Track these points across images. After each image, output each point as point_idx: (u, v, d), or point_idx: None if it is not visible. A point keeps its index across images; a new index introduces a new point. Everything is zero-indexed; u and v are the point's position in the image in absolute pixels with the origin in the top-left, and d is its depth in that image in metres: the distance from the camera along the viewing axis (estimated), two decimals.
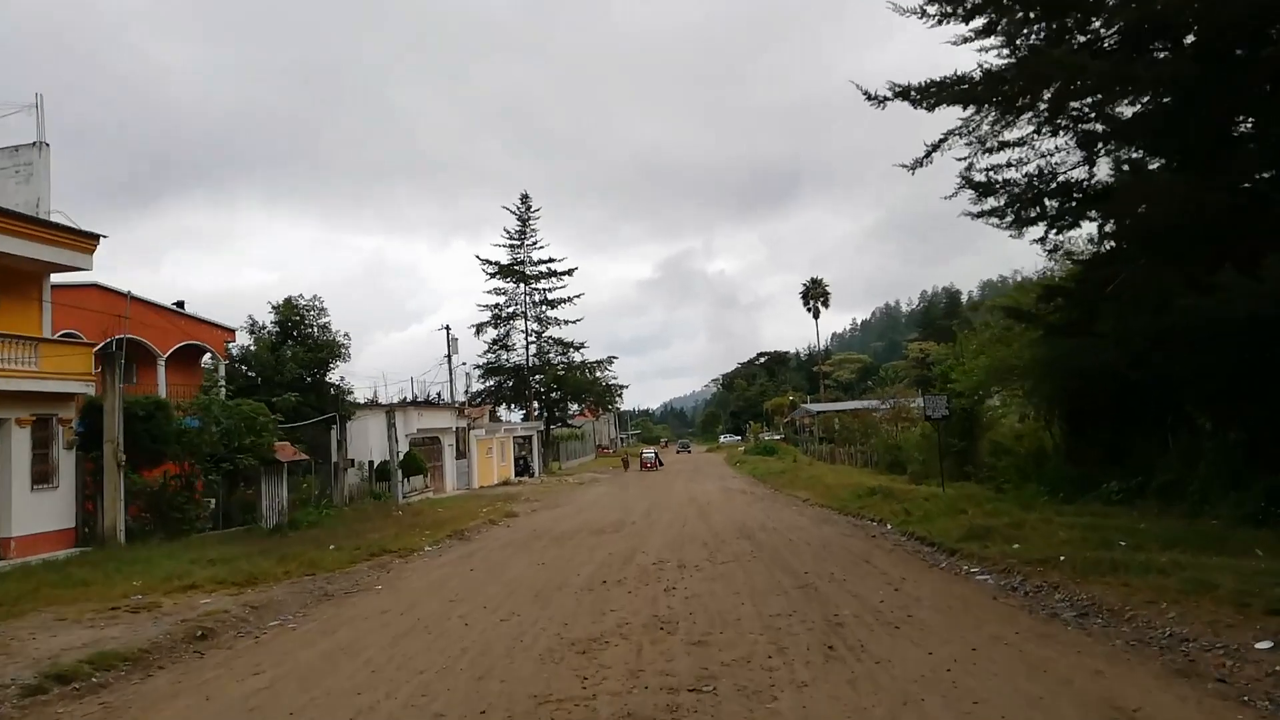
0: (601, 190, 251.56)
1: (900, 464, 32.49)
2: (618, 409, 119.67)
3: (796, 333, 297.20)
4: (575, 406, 57.20)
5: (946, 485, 21.01)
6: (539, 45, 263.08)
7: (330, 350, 25.55)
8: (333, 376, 26.48)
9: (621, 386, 56.77)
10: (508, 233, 53.76)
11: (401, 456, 30.54)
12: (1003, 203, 13.27)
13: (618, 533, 16.78)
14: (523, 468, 50.03)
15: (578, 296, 54.02)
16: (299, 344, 25.46)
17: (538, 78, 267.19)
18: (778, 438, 72.42)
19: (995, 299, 20.57)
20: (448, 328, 40.91)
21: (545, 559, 13.15)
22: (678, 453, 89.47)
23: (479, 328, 53.35)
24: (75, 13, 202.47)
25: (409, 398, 35.24)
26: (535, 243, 54.03)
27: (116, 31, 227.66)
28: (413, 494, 29.35)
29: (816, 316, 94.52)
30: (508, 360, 54.45)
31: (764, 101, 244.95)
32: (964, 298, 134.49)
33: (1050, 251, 17.07)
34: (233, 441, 16.73)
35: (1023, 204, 13.37)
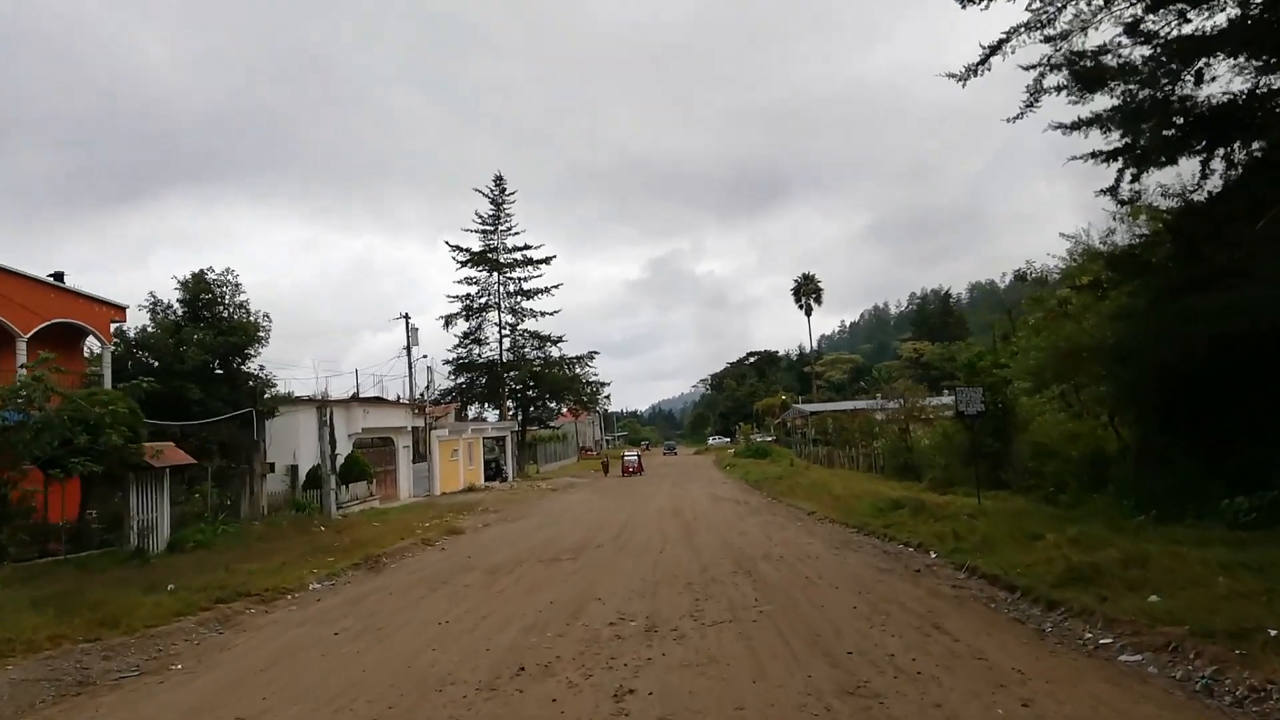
0: (590, 190, 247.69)
1: (911, 469, 28.70)
2: (602, 410, 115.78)
3: (786, 334, 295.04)
4: (555, 406, 52.99)
5: (983, 496, 17.26)
6: (526, 44, 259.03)
7: (244, 333, 21.39)
8: (269, 365, 22.36)
9: (603, 384, 52.70)
10: (480, 217, 49.66)
11: (341, 459, 26.43)
12: (1117, 105, 9.48)
13: (575, 560, 12.81)
14: (494, 471, 45.92)
15: (555, 287, 50.02)
16: (208, 326, 21.31)
17: (526, 77, 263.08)
18: (769, 439, 68.63)
19: (1071, 267, 16.47)
20: (406, 316, 36.81)
21: (456, 612, 9.14)
22: (664, 454, 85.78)
23: (448, 320, 49.21)
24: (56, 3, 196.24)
25: (355, 393, 31.10)
26: (510, 228, 49.99)
27: (97, 21, 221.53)
28: (352, 503, 25.22)
29: (809, 314, 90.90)
30: (480, 355, 50.32)
31: (752, 102, 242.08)
32: (962, 299, 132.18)
33: (1125, 203, 13.35)
34: (69, 439, 12.59)
35: (1146, 112, 9.53)
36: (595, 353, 51.89)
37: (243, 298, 22.20)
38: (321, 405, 23.94)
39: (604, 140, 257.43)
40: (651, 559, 12.59)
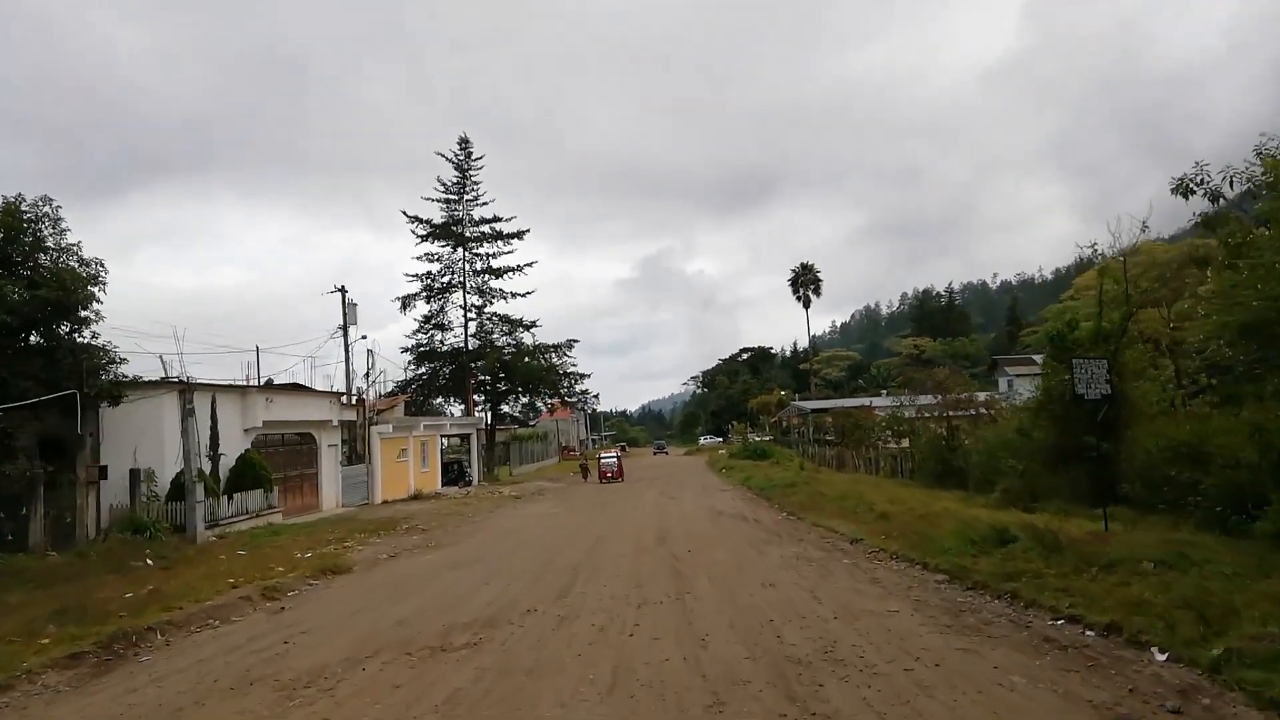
0: (579, 188, 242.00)
1: (954, 473, 23.00)
2: (584, 406, 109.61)
3: (777, 334, 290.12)
4: (529, 400, 46.81)
5: (1101, 516, 11.64)
6: (514, 40, 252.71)
7: (66, 287, 15.34)
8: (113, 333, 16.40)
9: (583, 375, 46.50)
10: (443, 185, 43.54)
11: (233, 461, 20.43)
12: None
13: (472, 653, 6.92)
14: (456, 475, 39.92)
15: (529, 265, 43.96)
16: (13, 277, 15.28)
17: (516, 74, 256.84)
18: (766, 439, 62.84)
19: None
20: (342, 290, 30.74)
21: None
22: (654, 454, 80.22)
23: (405, 301, 43.01)
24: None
25: (257, 377, 25.07)
26: (477, 198, 43.88)
27: (79, 13, 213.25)
28: (239, 519, 19.20)
29: (807, 305, 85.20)
30: (444, 343, 44.21)
31: (744, 102, 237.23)
32: (954, 300, 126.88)
33: None
34: None
35: None
36: (574, 340, 45.89)
37: (71, 239, 16.16)
38: (185, 389, 17.86)
39: (594, 138, 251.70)
40: (612, 657, 6.68)
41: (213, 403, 19.79)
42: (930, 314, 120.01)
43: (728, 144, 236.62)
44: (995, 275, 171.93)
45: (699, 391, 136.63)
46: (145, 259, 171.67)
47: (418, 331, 43.67)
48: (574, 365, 45.59)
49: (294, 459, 24.32)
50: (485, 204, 43.77)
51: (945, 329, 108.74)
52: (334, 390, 26.86)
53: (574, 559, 12.55)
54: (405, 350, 43.99)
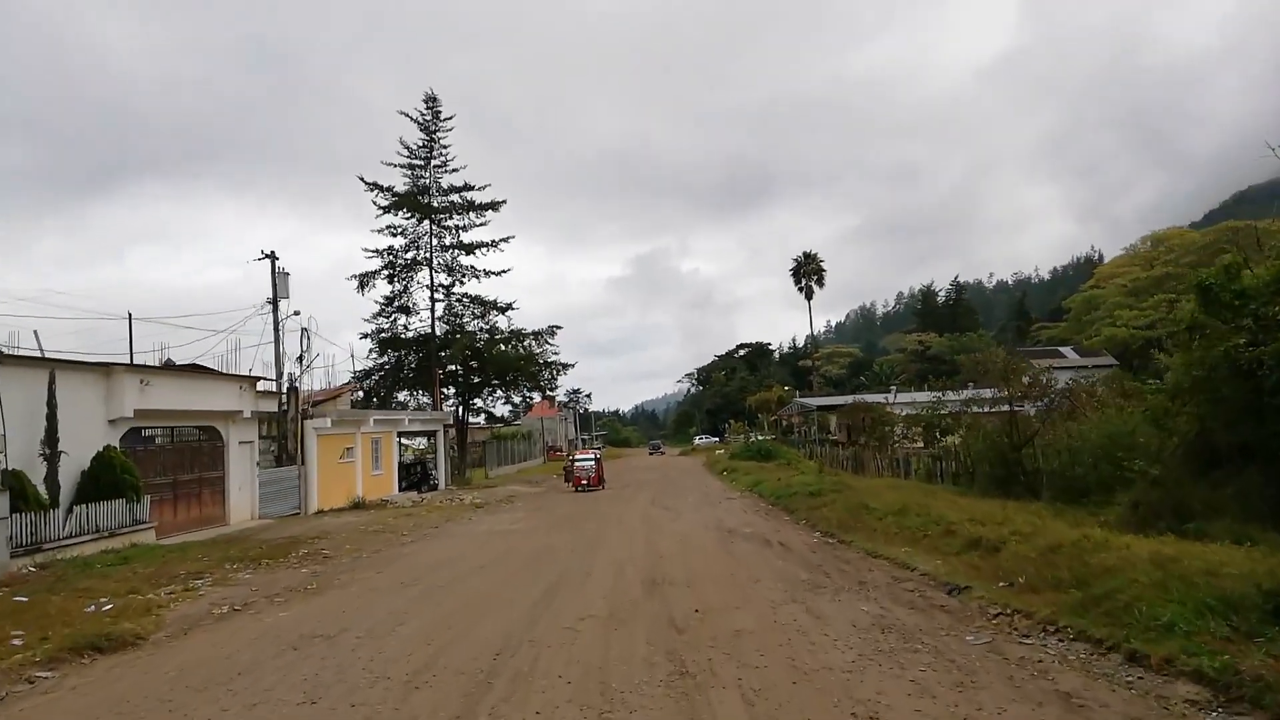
0: (574, 188, 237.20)
1: (1021, 480, 18.14)
2: (574, 405, 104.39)
3: (774, 335, 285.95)
4: (502, 393, 41.63)
5: None
6: (509, 38, 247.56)
7: None
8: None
9: (565, 365, 41.28)
10: (407, 150, 38.37)
11: (89, 461, 15.41)
12: None
13: None
14: (419, 477, 34.86)
15: (505, 240, 38.83)
16: None
17: (508, 72, 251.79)
18: (768, 438, 57.84)
19: None
20: (273, 255, 25.58)
21: None
22: (650, 454, 75.39)
23: (363, 280, 37.78)
24: None
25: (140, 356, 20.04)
26: (445, 163, 38.74)
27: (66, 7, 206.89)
28: (83, 540, 14.12)
29: (809, 297, 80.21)
30: (408, 327, 39.09)
31: (740, 101, 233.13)
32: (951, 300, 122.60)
33: None
34: None
35: None
36: (557, 327, 40.69)
37: None
38: None
39: (588, 137, 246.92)
40: None
41: (50, 382, 14.71)
42: (935, 310, 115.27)
43: (724, 142, 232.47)
44: (991, 275, 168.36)
45: (693, 390, 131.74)
46: (138, 257, 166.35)
47: (379, 315, 38.54)
48: (556, 354, 40.50)
49: (189, 460, 19.24)
50: (455, 170, 38.70)
51: (951, 324, 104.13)
52: (251, 375, 21.72)
53: (503, 627, 7.54)
54: (365, 336, 38.86)
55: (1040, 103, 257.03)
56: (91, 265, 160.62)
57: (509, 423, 55.69)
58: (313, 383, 29.31)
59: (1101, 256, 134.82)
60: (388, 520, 19.73)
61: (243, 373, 21.82)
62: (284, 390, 24.99)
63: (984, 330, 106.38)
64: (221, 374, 20.51)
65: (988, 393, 20.75)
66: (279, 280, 25.49)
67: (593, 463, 29.30)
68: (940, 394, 24.65)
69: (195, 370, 20.18)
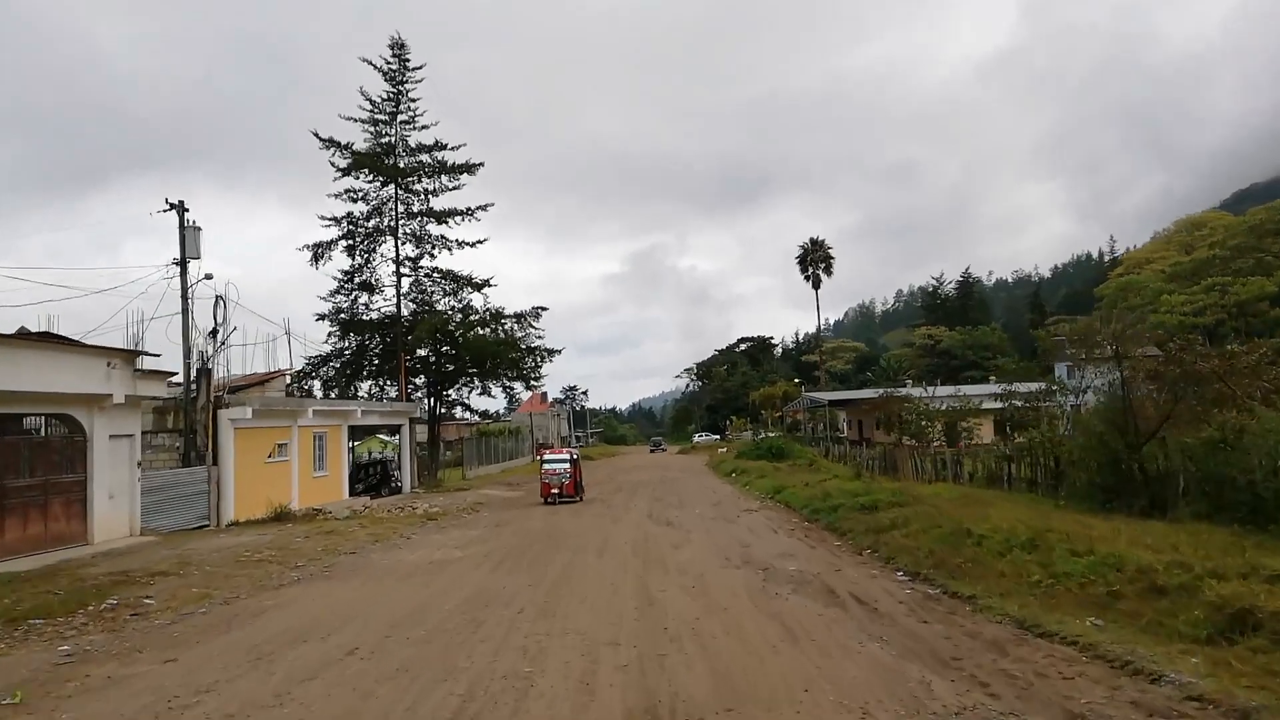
0: (571, 185, 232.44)
1: (1139, 490, 13.35)
2: (568, 400, 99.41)
3: (772, 332, 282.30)
4: (479, 383, 36.54)
5: None
6: (503, 35, 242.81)
7: None
8: None
9: (551, 351, 36.25)
10: (371, 103, 33.29)
11: None
12: None
13: None
14: (379, 478, 30.06)
15: (483, 208, 33.84)
16: None
17: (503, 68, 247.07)
18: (775, 435, 52.94)
19: None
20: (180, 205, 20.61)
21: None
22: (651, 452, 70.63)
23: (318, 251, 32.77)
24: None
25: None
26: (413, 119, 33.72)
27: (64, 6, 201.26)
28: None
29: (817, 286, 75.08)
30: (369, 306, 34.14)
31: (737, 98, 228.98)
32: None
33: None
34: None
35: None
36: (542, 309, 35.61)
37: None
38: None
39: (584, 134, 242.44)
40: None
41: None
42: (943, 304, 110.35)
43: (722, 139, 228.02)
44: (991, 273, 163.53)
45: (691, 387, 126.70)
46: (131, 251, 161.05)
47: (336, 292, 33.57)
48: (540, 338, 35.48)
49: (32, 459, 14.32)
50: (425, 128, 33.67)
51: (962, 318, 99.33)
52: (131, 349, 16.71)
53: None
54: (321, 318, 33.89)
55: (1040, 100, 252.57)
56: (88, 262, 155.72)
57: (496, 418, 50.66)
58: (245, 366, 24.43)
59: (1103, 255, 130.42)
60: (296, 541, 14.80)
61: (119, 345, 16.82)
62: (194, 372, 20.13)
63: (996, 323, 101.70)
64: (80, 344, 15.50)
65: (1088, 376, 15.88)
66: (189, 236, 20.54)
67: (566, 465, 22.83)
68: (1008, 385, 19.73)
69: (45, 339, 15.23)
